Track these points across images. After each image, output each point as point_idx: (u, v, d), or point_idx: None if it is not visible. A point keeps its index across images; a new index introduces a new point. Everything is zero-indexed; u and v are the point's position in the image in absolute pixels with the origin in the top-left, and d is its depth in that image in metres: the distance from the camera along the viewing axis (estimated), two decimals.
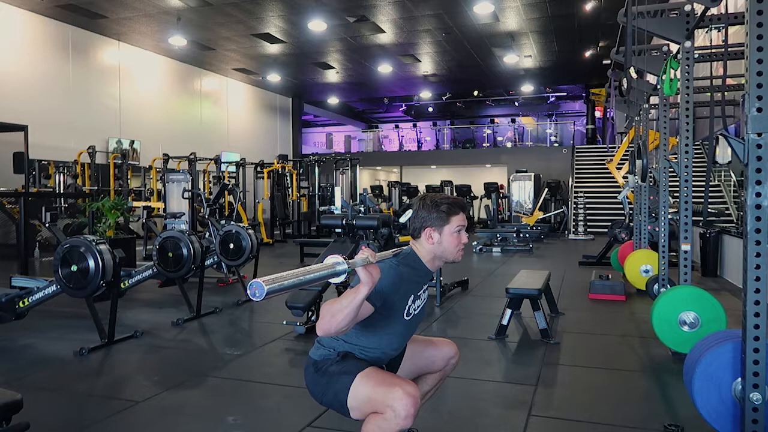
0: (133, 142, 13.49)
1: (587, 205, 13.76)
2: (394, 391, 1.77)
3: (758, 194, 2.16)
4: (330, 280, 1.62)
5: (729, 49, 4.50)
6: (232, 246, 5.98)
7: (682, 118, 4.08)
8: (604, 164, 13.84)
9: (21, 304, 4.37)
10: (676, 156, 4.31)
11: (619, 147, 11.24)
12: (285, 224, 13.79)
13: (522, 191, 16.39)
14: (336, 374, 1.91)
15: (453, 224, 2.01)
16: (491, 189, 15.54)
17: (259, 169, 13.91)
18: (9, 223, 9.81)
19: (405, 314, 1.99)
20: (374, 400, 1.80)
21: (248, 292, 1.37)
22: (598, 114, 22.10)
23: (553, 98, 24.98)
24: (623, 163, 9.79)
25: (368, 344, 1.98)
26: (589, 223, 13.75)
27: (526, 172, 16.65)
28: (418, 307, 2.06)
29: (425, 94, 23.09)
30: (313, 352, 2.04)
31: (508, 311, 4.37)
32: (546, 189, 15.77)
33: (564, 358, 3.90)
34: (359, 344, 1.98)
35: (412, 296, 2.01)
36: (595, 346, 4.32)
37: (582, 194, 14.34)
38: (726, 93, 5.04)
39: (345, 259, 1.59)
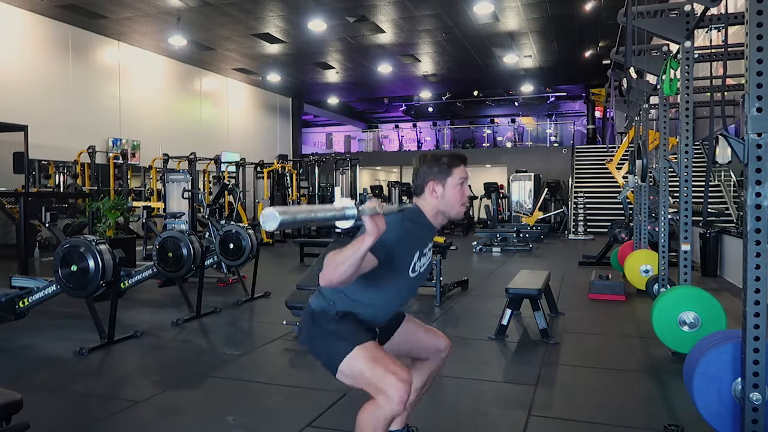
0: (121, 144, 13.44)
1: (587, 205, 13.76)
2: (389, 376, 1.80)
3: (758, 194, 2.17)
4: (338, 224, 1.61)
5: (729, 49, 4.50)
6: (232, 246, 5.98)
7: (682, 118, 4.08)
8: (604, 164, 13.84)
9: (21, 304, 4.37)
10: (676, 156, 4.31)
11: (619, 147, 11.24)
12: None
13: (522, 191, 16.39)
14: (334, 335, 1.92)
15: (455, 176, 2.00)
16: (491, 189, 15.52)
17: (259, 169, 13.91)
18: (9, 223, 9.80)
19: (410, 270, 1.97)
20: (367, 379, 1.84)
21: (261, 221, 1.36)
22: (598, 114, 22.09)
23: (553, 98, 24.97)
24: (623, 163, 9.79)
25: (370, 300, 1.97)
26: (589, 223, 13.75)
27: (526, 172, 16.65)
28: (423, 264, 2.04)
29: (425, 94, 23.08)
30: (312, 300, 2.04)
31: (508, 311, 4.37)
32: (546, 189, 15.76)
33: (564, 358, 3.90)
34: (360, 299, 1.97)
35: (418, 252, 1.99)
36: (595, 346, 4.31)
37: (582, 194, 14.34)
38: (726, 93, 5.05)
39: (355, 205, 1.59)
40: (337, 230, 5.70)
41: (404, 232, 1.91)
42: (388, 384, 1.79)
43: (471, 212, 16.66)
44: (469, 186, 2.10)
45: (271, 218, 1.34)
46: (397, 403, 1.78)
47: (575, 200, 14.38)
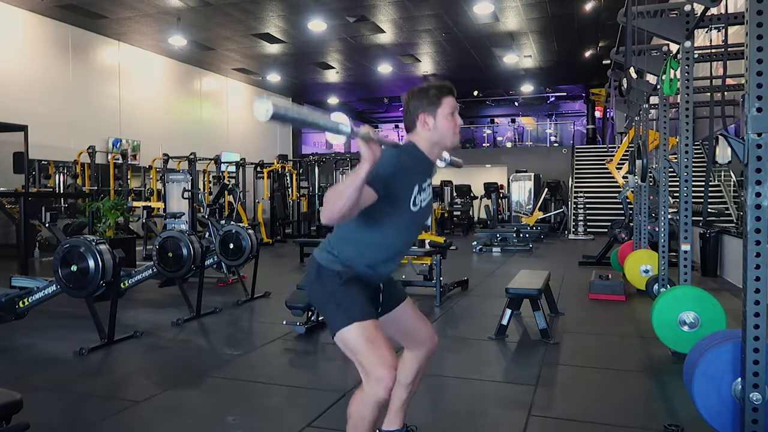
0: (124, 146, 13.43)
1: (587, 205, 13.75)
2: (378, 366, 1.83)
3: (758, 194, 2.17)
4: (329, 137, 1.61)
5: (729, 49, 4.49)
6: (232, 246, 5.98)
7: (682, 118, 4.08)
8: (604, 164, 13.84)
9: (21, 304, 4.36)
10: (676, 156, 4.31)
11: (619, 147, 11.24)
12: (285, 224, 13.79)
13: (522, 191, 16.39)
14: (335, 301, 1.94)
15: (445, 106, 2.01)
16: (491, 189, 15.52)
17: (259, 169, 13.90)
18: (9, 223, 9.80)
19: (411, 204, 1.97)
20: (359, 358, 1.89)
21: (254, 108, 1.35)
22: (598, 114, 22.10)
23: (553, 98, 24.97)
24: (623, 163, 9.79)
25: (373, 239, 1.97)
26: (589, 223, 13.75)
27: (526, 172, 16.65)
28: (424, 199, 2.03)
29: None
30: (317, 252, 2.05)
31: (508, 311, 4.37)
32: (546, 189, 15.76)
33: (564, 358, 3.90)
34: (364, 239, 1.96)
35: (417, 186, 1.98)
36: (595, 346, 4.32)
37: (582, 194, 14.34)
38: (726, 93, 5.04)
39: (350, 124, 1.59)
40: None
41: (401, 164, 1.92)
42: (376, 370, 1.83)
43: (471, 212, 16.66)
44: (460, 118, 2.10)
45: (263, 108, 1.34)
46: (383, 389, 1.83)
47: (575, 200, 14.38)
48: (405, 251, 2.14)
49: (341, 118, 1.58)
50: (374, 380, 1.84)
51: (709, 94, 6.35)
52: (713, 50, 5.35)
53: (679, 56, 4.20)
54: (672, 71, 4.28)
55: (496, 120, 25.63)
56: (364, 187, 1.73)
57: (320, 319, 4.71)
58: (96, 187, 11.70)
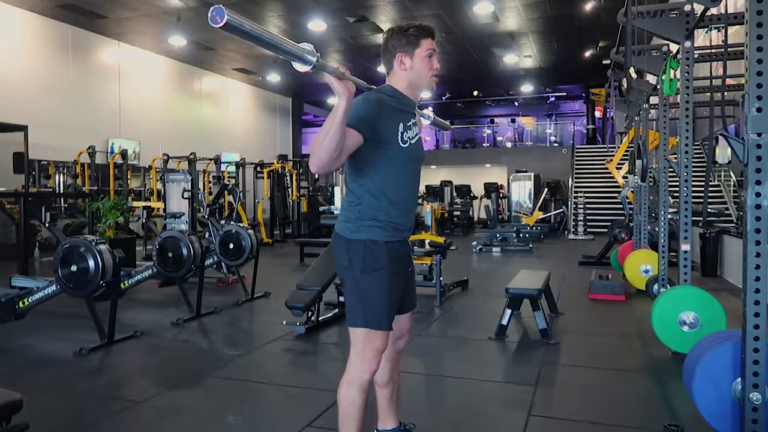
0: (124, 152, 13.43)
1: (587, 205, 13.76)
2: (367, 362, 1.97)
3: (758, 194, 2.17)
4: (294, 64, 1.56)
5: (729, 49, 4.50)
6: (231, 246, 5.98)
7: (682, 118, 4.08)
8: (604, 164, 13.83)
9: (21, 304, 4.36)
10: (676, 156, 4.31)
11: (619, 147, 11.24)
12: (285, 224, 13.79)
13: (522, 191, 16.39)
14: (360, 296, 1.96)
15: (423, 47, 2.01)
16: (491, 189, 15.52)
17: (259, 169, 13.90)
18: (9, 223, 9.80)
19: (400, 141, 1.97)
20: (356, 350, 1.99)
21: (209, 14, 1.31)
22: (598, 114, 22.09)
23: (553, 98, 24.94)
24: (623, 163, 9.79)
25: (380, 187, 1.95)
26: (589, 223, 13.75)
27: (525, 172, 16.64)
28: (412, 137, 2.03)
29: (425, 94, 23.06)
30: (339, 227, 2.04)
31: (508, 311, 4.37)
32: (546, 189, 15.76)
33: (564, 358, 3.90)
34: (372, 191, 1.95)
35: (402, 124, 1.99)
36: (595, 346, 4.31)
37: (582, 194, 14.34)
38: (726, 93, 5.04)
39: (318, 56, 1.55)
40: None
41: (382, 103, 1.93)
42: (364, 363, 1.96)
43: (471, 212, 16.66)
44: (438, 62, 2.09)
45: (219, 14, 1.30)
46: (367, 373, 1.97)
47: (575, 200, 14.38)
48: (414, 200, 2.11)
49: (309, 47, 1.53)
50: (358, 368, 1.96)
51: (709, 94, 6.34)
52: (713, 50, 5.35)
53: (679, 56, 4.20)
54: (672, 71, 4.29)
55: (496, 120, 25.63)
56: (349, 130, 1.74)
57: (320, 319, 4.71)
58: (96, 187, 11.70)
